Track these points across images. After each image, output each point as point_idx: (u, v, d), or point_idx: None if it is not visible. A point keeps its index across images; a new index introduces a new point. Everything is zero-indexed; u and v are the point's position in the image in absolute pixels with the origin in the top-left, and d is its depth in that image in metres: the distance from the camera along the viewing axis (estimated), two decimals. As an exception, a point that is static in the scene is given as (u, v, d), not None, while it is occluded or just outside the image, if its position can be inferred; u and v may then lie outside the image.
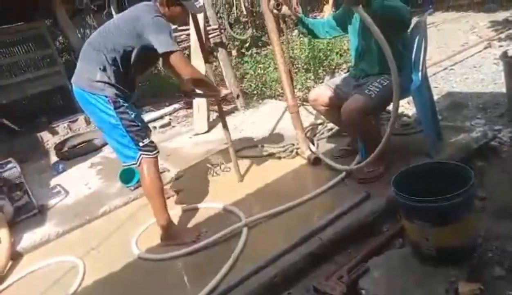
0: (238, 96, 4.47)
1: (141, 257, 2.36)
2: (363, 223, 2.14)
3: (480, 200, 2.19)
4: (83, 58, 2.33)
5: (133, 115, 2.30)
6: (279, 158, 3.19)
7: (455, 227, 1.70)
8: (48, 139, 5.72)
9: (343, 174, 2.62)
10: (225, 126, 2.91)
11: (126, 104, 2.29)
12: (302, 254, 1.98)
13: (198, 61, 4.39)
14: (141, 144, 2.30)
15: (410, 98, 2.76)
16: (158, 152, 2.39)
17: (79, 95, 2.31)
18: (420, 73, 2.52)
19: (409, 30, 2.54)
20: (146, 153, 2.31)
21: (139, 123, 2.34)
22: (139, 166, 2.32)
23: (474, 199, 1.88)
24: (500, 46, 5.24)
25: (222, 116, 2.93)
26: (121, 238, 2.62)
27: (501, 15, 6.93)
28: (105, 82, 2.22)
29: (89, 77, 2.23)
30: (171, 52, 2.12)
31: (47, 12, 6.45)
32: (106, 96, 2.23)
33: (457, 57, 5.25)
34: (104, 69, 2.22)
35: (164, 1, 2.26)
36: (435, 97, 3.40)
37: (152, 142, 2.37)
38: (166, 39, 2.11)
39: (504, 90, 3.17)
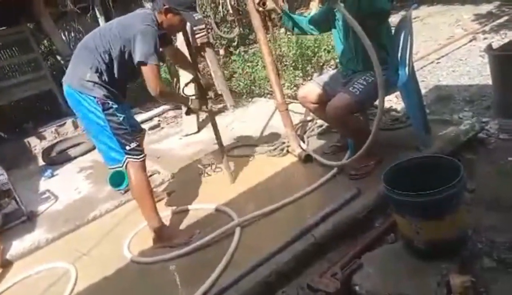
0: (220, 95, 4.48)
1: (133, 260, 2.34)
2: (355, 219, 2.15)
3: (470, 192, 2.21)
4: (75, 58, 2.32)
5: (121, 118, 2.29)
6: (270, 156, 3.19)
7: (445, 220, 1.71)
8: (36, 144, 5.64)
9: (335, 170, 2.63)
10: (217, 136, 2.88)
11: (115, 106, 2.27)
12: (296, 252, 1.98)
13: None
14: (127, 147, 2.29)
15: (398, 93, 2.78)
16: (144, 156, 2.39)
17: (68, 94, 2.29)
18: (407, 68, 2.53)
19: (391, 22, 2.56)
20: (132, 156, 2.31)
21: (127, 127, 2.32)
22: (125, 169, 2.32)
23: (463, 191, 1.90)
24: (485, 38, 5.30)
25: (214, 125, 2.89)
26: (113, 242, 2.59)
27: (484, 8, 7.01)
28: (94, 82, 2.21)
29: (80, 76, 2.22)
30: (145, 63, 2.12)
31: (31, 16, 6.35)
32: (95, 97, 2.21)
33: (443, 50, 5.30)
34: (96, 70, 2.22)
35: (162, 9, 2.25)
36: (423, 91, 3.42)
37: (139, 146, 2.37)
38: (146, 49, 2.11)
39: (490, 82, 3.21)
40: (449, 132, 2.69)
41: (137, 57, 2.12)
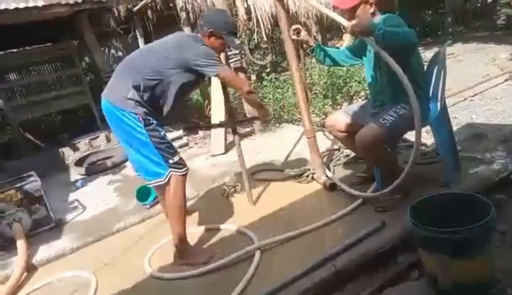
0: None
1: (153, 275, 2.36)
2: (378, 252, 2.11)
3: (500, 234, 2.13)
4: (118, 75, 2.36)
5: (162, 133, 2.32)
6: (295, 182, 3.19)
7: (473, 260, 1.66)
8: (69, 155, 5.87)
9: (359, 201, 2.60)
10: (240, 155, 2.92)
11: (156, 122, 2.30)
12: (315, 280, 1.95)
13: (217, 84, 4.50)
14: (171, 161, 2.30)
15: (429, 127, 2.75)
16: (187, 169, 2.39)
17: (107, 109, 2.32)
18: (438, 103, 2.52)
19: (424, 56, 2.55)
20: (176, 169, 2.32)
21: (169, 140, 2.36)
22: (167, 182, 2.32)
23: (493, 232, 1.83)
24: (522, 78, 5.19)
25: (237, 144, 2.94)
26: (135, 255, 2.63)
27: (523, 48, 6.89)
28: (136, 101, 2.25)
29: (122, 94, 2.26)
30: (224, 72, 2.35)
31: (76, 33, 6.73)
32: (136, 114, 2.24)
33: (477, 88, 5.22)
34: (138, 89, 2.26)
35: (206, 33, 2.36)
36: (454, 128, 3.37)
37: (182, 159, 2.38)
38: (216, 63, 2.30)
39: (525, 123, 3.13)
40: (480, 171, 2.63)
41: (212, 73, 2.33)
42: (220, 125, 3.26)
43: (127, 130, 2.28)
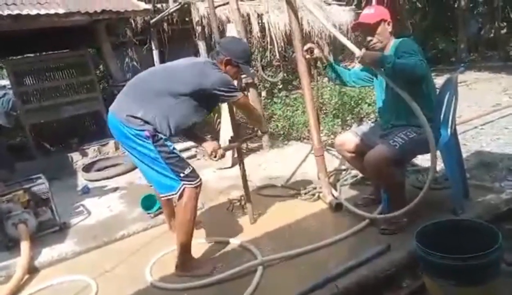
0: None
1: (153, 284, 2.35)
2: (382, 275, 2.08)
3: (508, 265, 2.09)
4: (130, 94, 2.36)
5: (171, 147, 2.31)
6: (301, 200, 3.18)
7: (479, 289, 1.63)
8: (78, 160, 5.91)
9: (365, 222, 2.58)
10: (243, 174, 2.96)
11: (164, 137, 2.29)
12: (316, 301, 1.93)
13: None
14: (182, 174, 2.29)
15: (438, 153, 2.73)
16: (200, 180, 2.38)
17: (115, 127, 2.31)
18: (449, 129, 2.51)
19: (436, 83, 2.57)
20: (188, 182, 2.31)
21: (178, 154, 2.36)
22: (180, 195, 2.30)
23: (500, 262, 1.80)
24: (534, 110, 5.16)
25: (240, 160, 2.97)
26: (136, 263, 2.62)
27: (535, 80, 6.88)
28: (145, 121, 2.25)
29: (130, 113, 2.25)
30: (243, 98, 2.47)
31: (93, 41, 6.87)
32: (144, 130, 2.23)
33: (488, 117, 5.20)
34: (149, 110, 2.26)
35: (223, 60, 2.40)
36: (464, 155, 3.34)
37: (193, 171, 2.36)
38: (234, 89, 2.39)
39: (536, 154, 3.11)
40: (489, 200, 2.60)
41: (231, 99, 2.42)
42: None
43: (136, 148, 2.28)
